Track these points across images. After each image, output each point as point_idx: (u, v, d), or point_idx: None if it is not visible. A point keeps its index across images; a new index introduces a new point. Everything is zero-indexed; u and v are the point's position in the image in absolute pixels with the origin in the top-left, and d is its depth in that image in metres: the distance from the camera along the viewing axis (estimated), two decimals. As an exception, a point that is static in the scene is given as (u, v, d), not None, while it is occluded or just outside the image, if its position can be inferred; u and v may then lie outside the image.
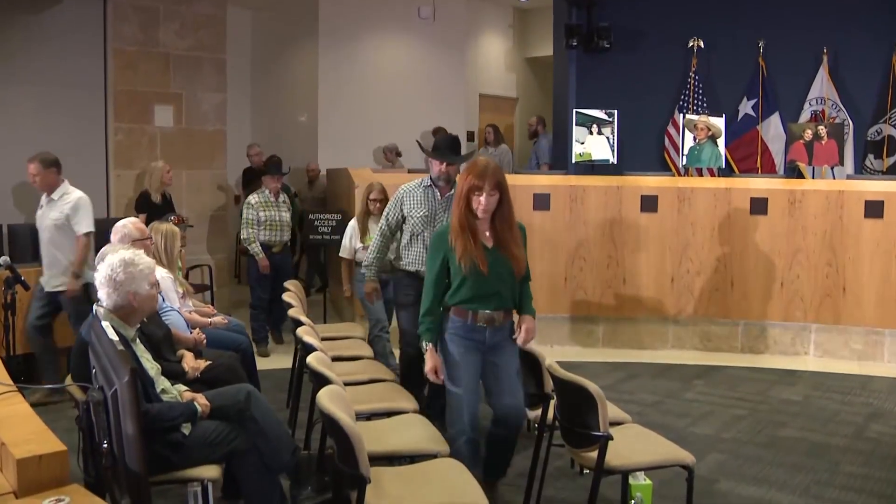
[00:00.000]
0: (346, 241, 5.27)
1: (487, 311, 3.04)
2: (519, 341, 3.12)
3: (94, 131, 6.75)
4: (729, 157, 7.84)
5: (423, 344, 3.06)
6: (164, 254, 4.07)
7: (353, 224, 5.25)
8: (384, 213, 4.16)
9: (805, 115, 8.04)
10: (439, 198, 3.98)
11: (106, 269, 2.78)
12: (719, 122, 6.72)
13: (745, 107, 8.29)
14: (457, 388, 3.03)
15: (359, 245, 5.09)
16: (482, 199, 2.95)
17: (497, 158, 8.21)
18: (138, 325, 2.90)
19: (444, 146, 4.02)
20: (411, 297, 3.89)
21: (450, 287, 3.06)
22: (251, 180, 7.53)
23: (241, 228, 5.89)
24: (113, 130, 6.80)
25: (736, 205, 6.04)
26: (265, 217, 5.85)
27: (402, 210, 4.03)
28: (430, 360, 3.04)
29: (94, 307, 2.82)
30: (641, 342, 6.20)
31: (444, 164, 3.90)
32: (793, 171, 6.96)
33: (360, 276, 4.84)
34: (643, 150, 8.30)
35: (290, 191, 6.87)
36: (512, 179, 6.56)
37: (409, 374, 3.94)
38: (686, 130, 6.80)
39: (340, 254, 5.30)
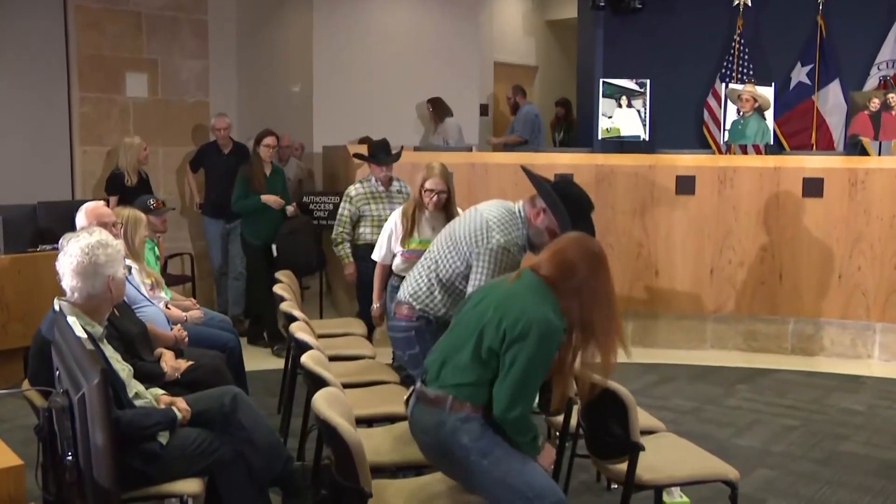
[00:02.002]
0: (382, 239, 4.35)
1: None
2: None
3: (56, 102, 6.71)
4: (778, 131, 7.75)
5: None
6: (125, 241, 4.03)
7: (395, 218, 4.31)
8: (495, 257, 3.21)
9: (872, 82, 7.86)
10: None
11: (77, 255, 2.75)
12: (768, 93, 6.63)
13: (800, 73, 8.15)
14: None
15: (397, 249, 4.24)
16: None
17: (441, 137, 8.00)
18: (105, 322, 2.88)
19: None
20: None
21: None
22: (204, 160, 6.73)
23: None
24: (78, 101, 6.75)
25: (786, 186, 5.98)
26: (371, 212, 5.06)
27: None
28: (551, 453, 2.71)
29: (56, 301, 2.81)
30: (676, 341, 6.18)
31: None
32: (854, 147, 6.86)
33: (394, 291, 4.28)
34: (679, 124, 8.22)
35: (282, 172, 6.47)
36: (531, 158, 6.60)
37: None
38: (729, 102, 6.73)
39: (374, 256, 4.45)
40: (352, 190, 5.16)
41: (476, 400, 2.52)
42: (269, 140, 6.00)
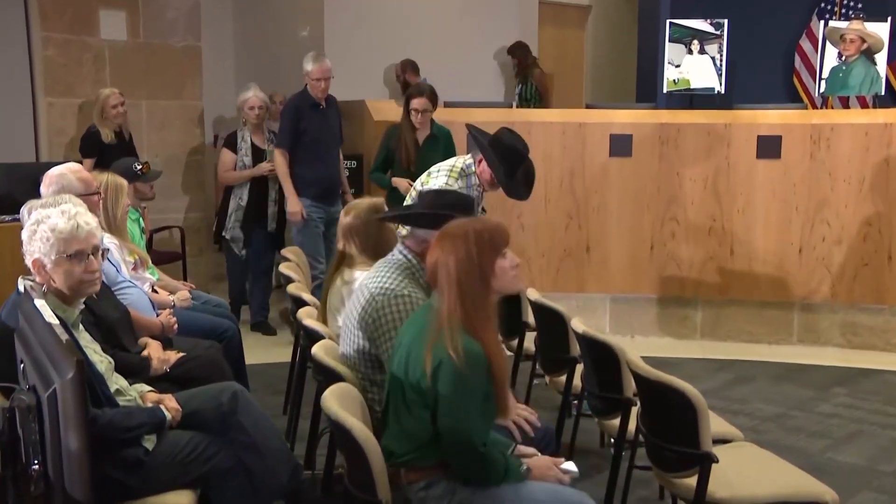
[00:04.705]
0: None
1: None
2: None
3: (13, 44, 6.60)
4: (892, 78, 7.56)
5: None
6: (103, 213, 4.05)
7: None
8: None
9: None
10: None
11: (28, 224, 2.79)
12: (881, 30, 6.49)
13: (928, 2, 7.89)
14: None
15: None
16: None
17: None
18: (81, 306, 2.89)
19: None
20: None
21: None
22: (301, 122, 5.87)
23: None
24: (40, 43, 6.66)
25: (897, 148, 5.88)
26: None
27: None
28: (541, 462, 2.73)
29: (20, 281, 2.83)
30: (756, 334, 6.16)
31: None
32: None
33: None
34: (763, 74, 8.14)
35: (443, 138, 5.61)
36: (583, 116, 6.53)
37: None
38: (828, 44, 6.59)
39: None
40: (459, 162, 4.38)
41: (430, 459, 2.54)
42: (416, 102, 5.39)
